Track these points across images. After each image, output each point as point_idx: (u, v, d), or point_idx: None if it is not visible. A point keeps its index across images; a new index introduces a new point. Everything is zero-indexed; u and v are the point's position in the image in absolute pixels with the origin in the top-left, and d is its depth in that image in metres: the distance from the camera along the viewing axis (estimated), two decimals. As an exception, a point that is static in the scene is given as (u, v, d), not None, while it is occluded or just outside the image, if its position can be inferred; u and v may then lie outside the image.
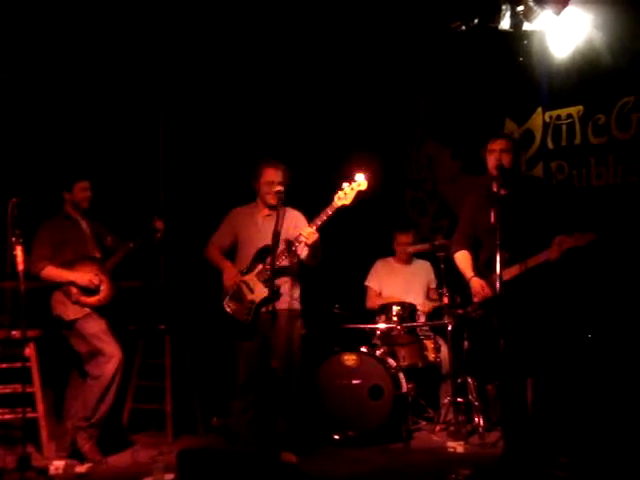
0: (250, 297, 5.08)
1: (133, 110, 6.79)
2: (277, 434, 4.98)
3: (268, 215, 5.23)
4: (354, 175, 4.98)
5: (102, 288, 5.32)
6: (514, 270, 4.58)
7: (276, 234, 4.82)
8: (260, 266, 5.12)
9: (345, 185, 4.96)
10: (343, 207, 4.96)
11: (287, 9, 6.47)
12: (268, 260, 5.00)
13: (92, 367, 5.23)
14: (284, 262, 5.12)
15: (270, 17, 6.56)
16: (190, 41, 6.75)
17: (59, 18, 6.17)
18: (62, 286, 5.27)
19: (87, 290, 5.28)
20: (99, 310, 5.32)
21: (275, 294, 5.04)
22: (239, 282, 5.15)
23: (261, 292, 5.03)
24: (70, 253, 5.34)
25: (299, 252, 5.16)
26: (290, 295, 5.22)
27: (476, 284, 4.75)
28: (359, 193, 4.95)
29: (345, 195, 4.94)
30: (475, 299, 4.78)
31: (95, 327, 5.26)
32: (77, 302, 5.26)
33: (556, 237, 4.51)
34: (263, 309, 5.00)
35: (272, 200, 5.16)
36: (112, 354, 5.20)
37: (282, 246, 5.09)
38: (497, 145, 4.73)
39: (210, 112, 7.01)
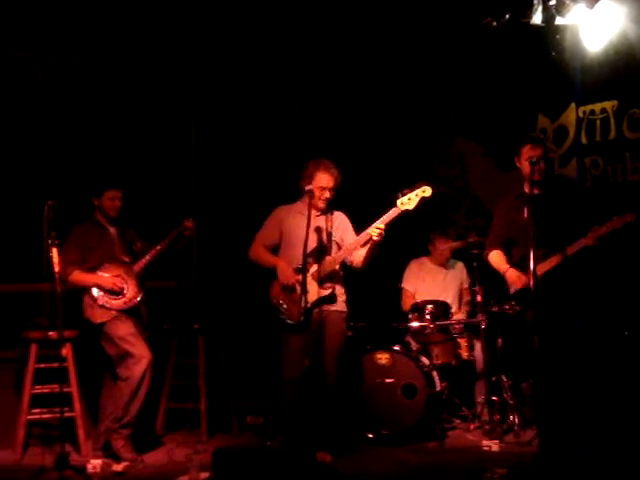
0: (305, 297, 5.01)
1: (166, 113, 6.83)
2: (314, 433, 4.99)
3: (318, 215, 5.24)
4: (416, 182, 5.00)
5: (128, 290, 5.36)
6: (553, 261, 4.58)
7: (328, 235, 4.93)
8: (315, 266, 5.10)
9: (407, 190, 4.96)
10: (406, 212, 4.96)
11: (318, 10, 6.49)
12: (325, 260, 5.03)
13: (122, 369, 5.28)
14: (338, 265, 5.17)
15: (302, 17, 6.58)
16: (221, 43, 6.79)
17: (93, 23, 6.24)
18: (89, 290, 5.32)
19: (113, 292, 5.33)
20: (128, 312, 5.37)
21: (332, 295, 5.12)
22: (295, 282, 5.12)
23: (316, 292, 5.02)
24: (98, 258, 5.39)
25: (351, 257, 5.18)
26: (341, 297, 5.25)
27: (512, 274, 4.80)
28: (422, 199, 4.96)
29: (409, 201, 4.95)
30: (512, 290, 4.77)
31: (123, 330, 5.30)
32: (103, 305, 5.31)
33: (593, 227, 4.54)
34: (316, 309, 5.05)
35: (322, 205, 5.20)
36: (141, 356, 5.24)
37: (335, 247, 5.18)
38: (536, 152, 4.80)
39: (241, 112, 7.03)
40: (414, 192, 4.95)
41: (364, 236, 5.04)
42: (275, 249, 5.33)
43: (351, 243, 5.14)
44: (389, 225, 4.98)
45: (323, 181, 5.19)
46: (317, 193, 5.18)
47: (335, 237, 5.20)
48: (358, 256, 5.18)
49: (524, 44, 6.19)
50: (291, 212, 5.34)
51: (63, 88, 6.34)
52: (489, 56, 6.61)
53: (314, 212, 5.20)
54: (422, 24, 6.69)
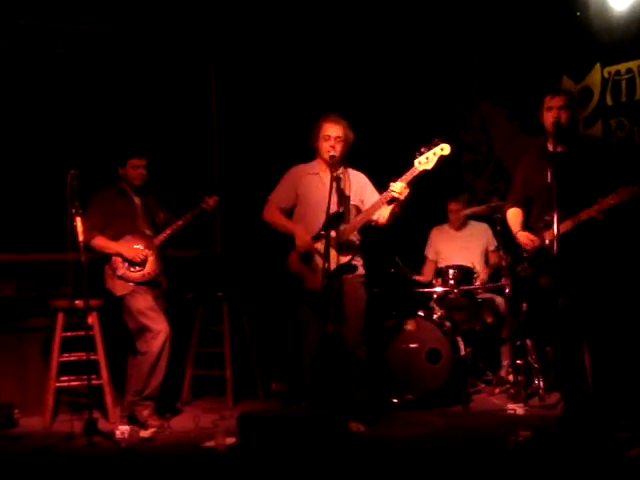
0: (325, 265, 4.86)
1: (189, 80, 6.82)
2: (345, 402, 4.91)
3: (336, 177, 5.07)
4: (433, 139, 4.83)
5: (148, 263, 5.39)
6: (565, 226, 4.50)
7: (345, 199, 4.81)
8: (334, 233, 4.91)
9: (425, 149, 4.80)
10: (425, 172, 4.80)
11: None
12: (344, 227, 4.92)
13: (140, 343, 5.33)
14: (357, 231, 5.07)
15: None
16: (242, 6, 6.74)
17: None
18: (110, 259, 5.36)
19: (134, 264, 5.35)
20: (147, 284, 5.40)
21: (351, 264, 5.00)
22: (314, 250, 5.02)
23: (335, 260, 4.88)
24: (120, 227, 5.42)
25: (374, 217, 5.04)
26: (359, 263, 5.13)
27: (522, 237, 4.71)
28: (441, 158, 4.80)
29: (427, 160, 4.77)
30: (524, 253, 4.72)
31: (142, 303, 5.33)
32: (122, 277, 5.34)
33: (598, 199, 4.43)
34: (337, 277, 4.94)
35: (327, 157, 5.00)
36: (159, 330, 5.28)
37: (354, 211, 5.06)
38: (555, 102, 4.62)
39: (265, 79, 6.99)
40: (432, 151, 4.77)
41: (383, 198, 4.87)
42: (289, 212, 5.17)
43: (369, 208, 4.98)
44: (411, 185, 4.83)
45: (328, 130, 5.02)
46: (323, 143, 5.03)
47: (354, 200, 5.05)
48: (382, 216, 5.04)
49: (548, 4, 6.09)
50: (307, 173, 5.17)
51: (85, 58, 6.35)
52: (512, 17, 6.51)
53: (328, 174, 4.98)
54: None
